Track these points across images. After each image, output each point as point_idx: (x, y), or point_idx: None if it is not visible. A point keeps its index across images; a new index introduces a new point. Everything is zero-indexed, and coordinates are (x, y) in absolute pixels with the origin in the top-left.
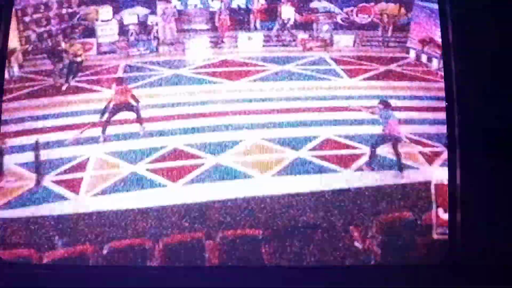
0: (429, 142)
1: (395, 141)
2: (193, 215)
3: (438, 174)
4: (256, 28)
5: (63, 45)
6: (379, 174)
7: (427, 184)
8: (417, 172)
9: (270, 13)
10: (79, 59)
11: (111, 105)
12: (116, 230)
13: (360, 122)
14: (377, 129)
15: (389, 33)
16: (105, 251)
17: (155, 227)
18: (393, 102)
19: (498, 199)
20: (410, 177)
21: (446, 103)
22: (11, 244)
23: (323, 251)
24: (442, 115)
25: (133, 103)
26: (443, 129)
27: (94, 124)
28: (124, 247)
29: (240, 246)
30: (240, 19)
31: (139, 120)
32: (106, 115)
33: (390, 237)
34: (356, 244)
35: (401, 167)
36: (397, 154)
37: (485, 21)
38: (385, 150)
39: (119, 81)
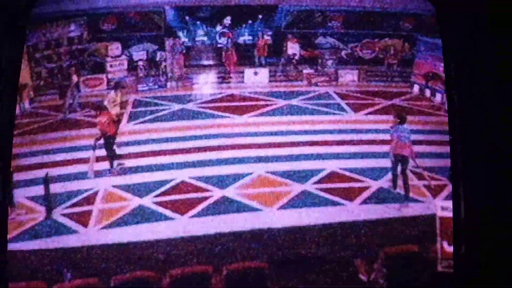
0: (433, 175)
1: (404, 160)
2: (200, 247)
3: (443, 207)
4: (261, 64)
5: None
6: (383, 207)
7: (431, 217)
8: (422, 205)
9: (276, 48)
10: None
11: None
12: (123, 263)
13: (365, 156)
14: (382, 162)
15: (393, 68)
16: (112, 284)
17: (162, 260)
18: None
19: (502, 232)
20: (415, 210)
21: (450, 137)
22: (21, 276)
23: (329, 283)
24: (446, 149)
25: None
26: (447, 162)
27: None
28: (131, 279)
29: (247, 279)
30: (246, 55)
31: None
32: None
33: (395, 270)
34: (361, 276)
35: (407, 191)
36: (405, 177)
37: (488, 57)
38: (390, 184)
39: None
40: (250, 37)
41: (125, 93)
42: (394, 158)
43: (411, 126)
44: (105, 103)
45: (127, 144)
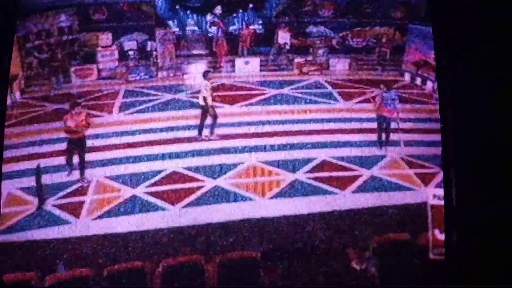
0: (425, 163)
1: (386, 121)
2: (192, 237)
3: (434, 195)
4: (243, 54)
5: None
6: (375, 195)
7: (423, 205)
8: (414, 193)
9: (267, 38)
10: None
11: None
12: (116, 253)
13: (357, 145)
14: (374, 151)
15: (385, 57)
16: (105, 274)
17: (154, 250)
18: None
19: (494, 219)
20: (406, 198)
21: (441, 125)
22: (13, 267)
23: (321, 272)
24: (437, 137)
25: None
26: (438, 150)
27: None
28: (124, 270)
29: (239, 268)
30: (237, 44)
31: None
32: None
33: (387, 258)
34: (354, 265)
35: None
36: (387, 133)
37: (479, 44)
38: (381, 172)
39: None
40: (240, 27)
41: (211, 83)
42: (377, 118)
43: (402, 115)
44: (202, 89)
45: (118, 134)
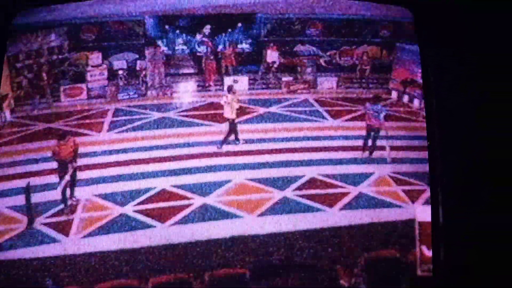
0: (412, 180)
1: (374, 130)
2: (181, 255)
3: (421, 212)
4: (229, 73)
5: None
6: (363, 212)
7: (410, 222)
8: (401, 210)
9: (255, 57)
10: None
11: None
12: (104, 271)
13: (345, 162)
14: (362, 168)
15: (371, 75)
16: None
17: (143, 268)
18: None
19: (481, 235)
20: (394, 215)
21: (428, 142)
22: (3, 286)
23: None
24: (424, 154)
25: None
26: (425, 167)
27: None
28: (114, 287)
29: (228, 286)
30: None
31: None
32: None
33: (375, 274)
34: (342, 282)
35: (371, 153)
36: (374, 141)
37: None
38: (369, 189)
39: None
40: (224, 47)
41: (237, 96)
42: (366, 128)
43: (389, 133)
44: (229, 103)
45: (107, 153)
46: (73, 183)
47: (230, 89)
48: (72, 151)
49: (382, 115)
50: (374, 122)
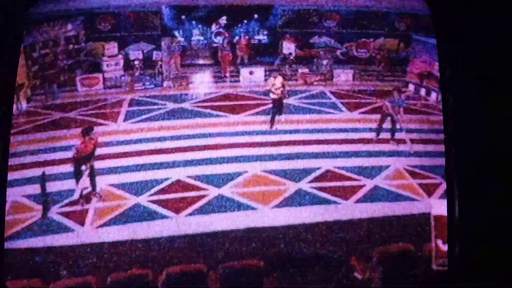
0: (428, 174)
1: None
2: (196, 246)
3: (437, 205)
4: (243, 64)
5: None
6: (378, 205)
7: (426, 215)
8: (417, 203)
9: (272, 48)
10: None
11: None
12: (119, 261)
13: (360, 155)
14: (377, 161)
15: (388, 68)
16: (109, 282)
17: (158, 258)
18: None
19: (497, 230)
20: (409, 208)
21: (445, 136)
22: (17, 275)
23: (324, 281)
24: (440, 148)
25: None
26: (441, 161)
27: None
28: (127, 277)
29: (242, 277)
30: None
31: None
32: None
33: (390, 268)
34: (356, 274)
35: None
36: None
37: (483, 56)
38: (385, 182)
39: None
40: (238, 38)
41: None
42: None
43: (406, 125)
44: (268, 87)
45: (123, 143)
46: (93, 179)
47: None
48: (93, 148)
49: (402, 108)
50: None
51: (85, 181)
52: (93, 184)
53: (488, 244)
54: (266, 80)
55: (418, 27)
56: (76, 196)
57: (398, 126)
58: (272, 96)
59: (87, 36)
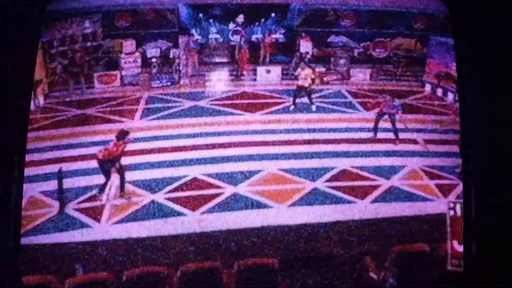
0: (445, 174)
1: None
2: (211, 243)
3: (453, 206)
4: (265, 62)
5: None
6: (394, 205)
7: (442, 216)
8: (433, 204)
9: (288, 47)
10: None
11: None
12: (135, 258)
13: (377, 154)
14: (393, 161)
15: (405, 67)
16: (124, 278)
17: (173, 255)
18: (408, 135)
19: None
20: (425, 209)
21: (461, 136)
22: (33, 270)
23: (339, 281)
24: (457, 148)
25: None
26: (458, 161)
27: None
28: (143, 274)
29: (257, 275)
30: (258, 53)
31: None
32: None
33: (405, 268)
34: (371, 274)
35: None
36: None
37: (500, 57)
38: (401, 182)
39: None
40: (262, 35)
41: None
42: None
43: (422, 125)
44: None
45: (140, 140)
46: (123, 180)
47: (306, 65)
48: (122, 151)
49: (399, 112)
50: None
51: (114, 181)
52: (122, 185)
53: (504, 245)
54: (283, 78)
55: (435, 27)
56: (103, 197)
57: (398, 126)
58: (299, 82)
59: (105, 33)
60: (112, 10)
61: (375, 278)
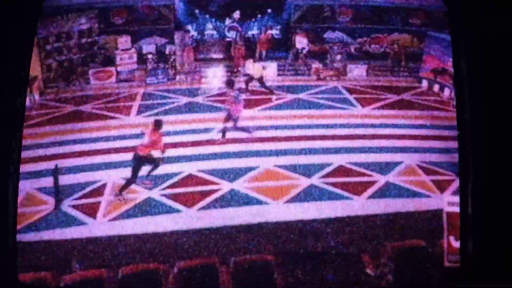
0: (441, 170)
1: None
2: (207, 240)
3: (450, 202)
4: (261, 58)
5: None
6: (391, 201)
7: (439, 212)
8: (429, 200)
9: (285, 43)
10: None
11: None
12: (131, 255)
13: (373, 150)
14: (390, 157)
15: (402, 63)
16: (120, 275)
17: (169, 252)
18: (405, 131)
19: (510, 227)
20: (422, 205)
21: (458, 132)
22: (29, 267)
23: (335, 277)
24: (454, 144)
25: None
26: (455, 157)
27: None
28: (139, 271)
29: (253, 271)
30: (254, 49)
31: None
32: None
33: (402, 264)
34: (368, 270)
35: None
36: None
37: (497, 52)
38: (397, 178)
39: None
40: (259, 32)
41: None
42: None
43: (419, 121)
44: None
45: (135, 136)
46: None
47: None
48: (155, 145)
49: (241, 99)
50: (234, 107)
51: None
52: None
53: (500, 241)
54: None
55: (432, 23)
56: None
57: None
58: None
59: (101, 30)
60: (108, 6)
61: (372, 274)
